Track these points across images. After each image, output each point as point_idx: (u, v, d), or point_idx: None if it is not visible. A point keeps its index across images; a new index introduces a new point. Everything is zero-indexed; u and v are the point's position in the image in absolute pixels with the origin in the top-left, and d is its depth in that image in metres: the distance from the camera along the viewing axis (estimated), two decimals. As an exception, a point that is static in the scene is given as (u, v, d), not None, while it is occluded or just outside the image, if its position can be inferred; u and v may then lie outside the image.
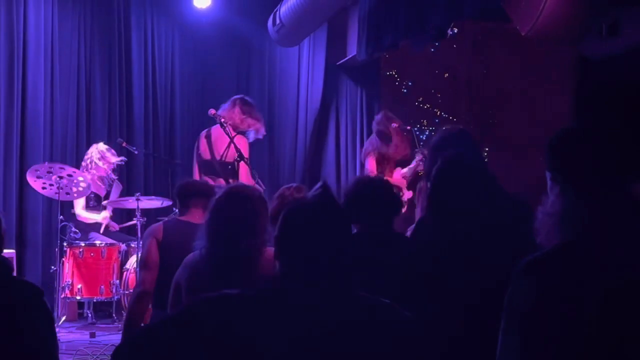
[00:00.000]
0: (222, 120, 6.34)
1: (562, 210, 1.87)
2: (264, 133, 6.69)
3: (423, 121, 8.80)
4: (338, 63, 8.50)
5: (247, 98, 6.67)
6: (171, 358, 2.01)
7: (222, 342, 1.98)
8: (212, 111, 6.48)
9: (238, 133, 6.45)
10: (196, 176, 6.44)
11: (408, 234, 3.71)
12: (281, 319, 1.99)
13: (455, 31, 8.61)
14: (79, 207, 7.02)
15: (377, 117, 7.47)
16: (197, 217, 4.23)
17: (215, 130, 6.49)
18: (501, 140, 8.96)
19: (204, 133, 6.62)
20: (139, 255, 5.50)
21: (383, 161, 7.27)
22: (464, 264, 2.69)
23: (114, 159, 7.06)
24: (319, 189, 2.19)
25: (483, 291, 2.50)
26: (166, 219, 5.03)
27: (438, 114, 8.87)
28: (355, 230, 3.21)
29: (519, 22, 5.64)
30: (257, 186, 5.73)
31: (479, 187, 2.83)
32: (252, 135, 6.57)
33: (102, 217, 7.07)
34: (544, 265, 1.82)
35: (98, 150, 7.06)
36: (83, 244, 6.66)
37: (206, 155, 6.48)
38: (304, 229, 2.10)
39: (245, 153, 6.21)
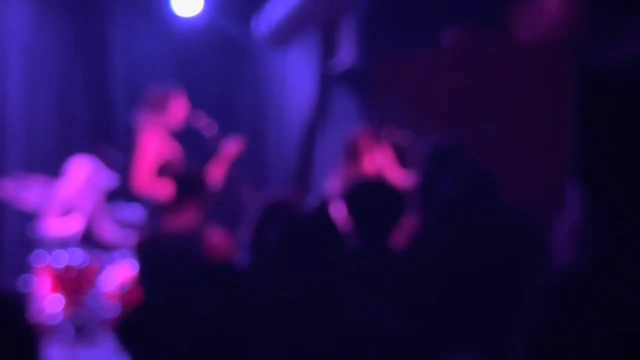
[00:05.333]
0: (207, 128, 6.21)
1: (585, 229, 1.82)
2: None
3: (417, 130, 8.62)
4: (330, 70, 8.33)
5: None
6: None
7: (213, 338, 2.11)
8: (201, 120, 6.38)
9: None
10: None
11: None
12: (272, 332, 2.08)
13: (453, 39, 8.44)
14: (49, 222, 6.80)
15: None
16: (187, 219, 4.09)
17: None
18: (501, 151, 8.79)
19: None
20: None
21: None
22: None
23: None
24: (317, 207, 2.35)
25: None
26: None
27: (434, 123, 8.69)
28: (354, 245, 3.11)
29: (518, 31, 5.55)
30: None
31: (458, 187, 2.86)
32: None
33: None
34: (561, 284, 1.76)
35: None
36: (62, 261, 6.44)
37: None
38: (297, 245, 2.20)
39: None
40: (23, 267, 7.01)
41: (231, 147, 6.32)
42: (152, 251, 4.05)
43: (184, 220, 4.05)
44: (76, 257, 6.54)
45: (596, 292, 1.71)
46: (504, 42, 8.38)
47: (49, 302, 6.38)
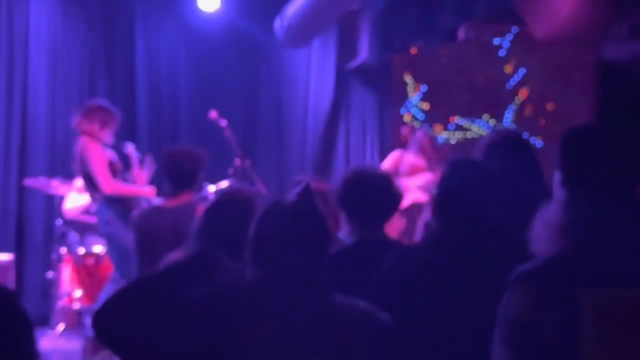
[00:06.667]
0: (223, 122, 6.20)
1: (563, 222, 1.77)
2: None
3: (437, 126, 8.60)
4: (348, 65, 8.28)
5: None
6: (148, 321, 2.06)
7: (195, 338, 2.00)
8: (213, 114, 6.36)
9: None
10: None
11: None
12: (255, 323, 2.00)
13: (472, 34, 8.39)
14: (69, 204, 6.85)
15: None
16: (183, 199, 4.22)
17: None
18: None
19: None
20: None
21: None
22: (454, 268, 2.54)
23: None
24: (300, 191, 2.13)
25: (471, 297, 2.41)
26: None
27: (453, 119, 8.67)
28: (350, 236, 3.09)
29: (534, 25, 5.49)
30: None
31: (480, 193, 2.64)
32: None
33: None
34: (542, 274, 1.74)
35: None
36: (82, 251, 6.51)
37: None
38: (278, 234, 2.08)
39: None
40: (47, 257, 7.08)
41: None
42: (147, 222, 4.15)
43: (179, 200, 4.20)
44: (98, 246, 6.57)
45: (576, 281, 1.70)
46: (522, 37, 8.37)
47: (71, 291, 6.46)
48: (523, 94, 8.78)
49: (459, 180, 2.63)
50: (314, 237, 2.10)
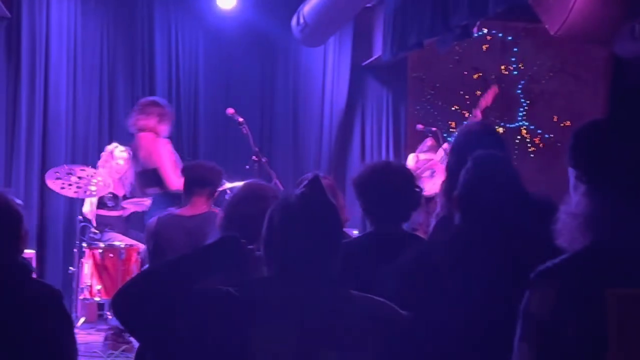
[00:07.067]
0: (240, 120, 6.26)
1: (587, 212, 1.74)
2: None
3: (451, 123, 8.64)
4: (364, 63, 8.36)
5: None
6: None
7: (211, 336, 1.95)
8: (230, 110, 6.41)
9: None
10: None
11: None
12: (270, 321, 1.96)
13: (485, 31, 8.47)
14: (87, 206, 6.94)
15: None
16: (198, 207, 4.22)
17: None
18: (532, 143, 8.79)
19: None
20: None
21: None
22: (480, 266, 2.51)
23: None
24: (307, 183, 2.09)
25: (498, 295, 2.36)
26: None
27: (466, 115, 8.71)
28: (367, 229, 3.13)
29: (547, 21, 5.51)
30: None
31: (506, 189, 2.65)
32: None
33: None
34: (564, 271, 1.70)
35: (108, 150, 6.96)
36: (102, 245, 6.58)
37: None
38: (290, 229, 2.03)
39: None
40: (68, 252, 7.18)
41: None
42: (164, 229, 4.21)
43: (194, 208, 4.27)
44: (118, 242, 6.63)
45: (599, 280, 1.66)
46: (534, 34, 8.42)
47: (91, 285, 6.48)
48: (535, 90, 8.83)
49: (480, 174, 2.62)
50: (325, 228, 2.05)
